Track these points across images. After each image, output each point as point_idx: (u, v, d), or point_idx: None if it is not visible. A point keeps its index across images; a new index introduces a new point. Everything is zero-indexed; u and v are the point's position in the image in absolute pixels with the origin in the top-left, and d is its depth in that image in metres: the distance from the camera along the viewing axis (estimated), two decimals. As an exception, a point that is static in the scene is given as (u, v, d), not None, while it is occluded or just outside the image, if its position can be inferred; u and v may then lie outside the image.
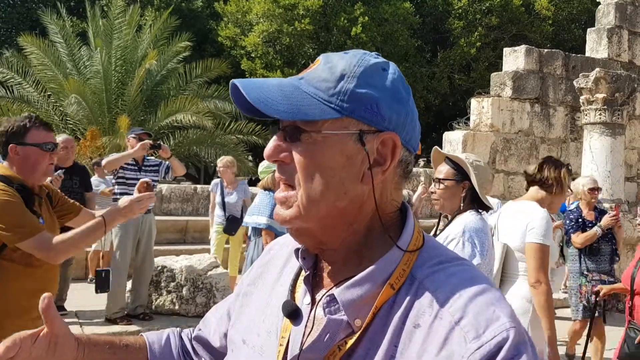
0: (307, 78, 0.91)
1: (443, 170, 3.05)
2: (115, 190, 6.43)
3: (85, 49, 16.62)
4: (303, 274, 0.99)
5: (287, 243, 1.10)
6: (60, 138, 5.78)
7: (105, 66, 15.59)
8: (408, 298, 0.89)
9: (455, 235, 2.81)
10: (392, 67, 0.95)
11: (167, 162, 6.41)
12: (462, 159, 3.00)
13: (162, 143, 6.35)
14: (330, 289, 0.93)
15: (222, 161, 7.77)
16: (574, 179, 9.54)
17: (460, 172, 2.99)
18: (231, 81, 0.92)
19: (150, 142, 6.11)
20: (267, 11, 18.36)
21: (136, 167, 6.32)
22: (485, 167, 3.04)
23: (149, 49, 15.92)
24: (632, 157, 12.50)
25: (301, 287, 0.99)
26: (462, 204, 2.98)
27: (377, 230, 0.94)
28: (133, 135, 6.42)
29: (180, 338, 1.23)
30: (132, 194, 6.75)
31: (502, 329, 0.82)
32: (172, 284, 6.56)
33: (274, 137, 0.93)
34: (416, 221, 0.98)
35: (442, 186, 3.00)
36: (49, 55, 15.90)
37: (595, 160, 9.79)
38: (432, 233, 2.95)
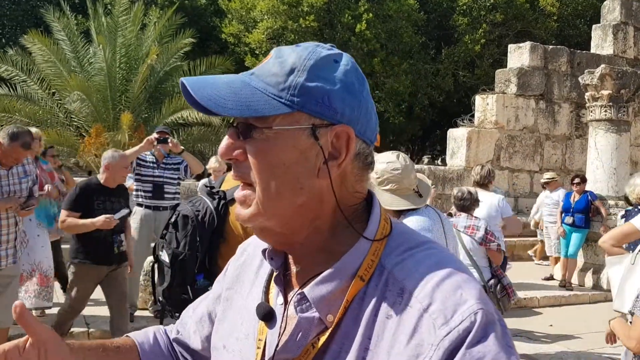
0: (258, 73, 0.90)
1: None
2: (134, 187, 6.46)
3: (89, 47, 16.65)
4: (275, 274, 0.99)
5: (260, 244, 1.08)
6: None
7: (109, 63, 15.60)
8: (379, 289, 0.88)
9: None
10: (345, 58, 0.93)
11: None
12: None
13: (169, 138, 6.31)
14: (301, 287, 0.92)
15: (217, 161, 7.65)
16: (578, 176, 9.53)
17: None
18: (180, 80, 0.90)
19: (156, 136, 6.12)
20: (271, 8, 18.34)
21: (154, 165, 6.35)
22: (396, 167, 2.93)
23: (153, 46, 15.94)
24: (638, 154, 12.45)
25: (274, 287, 0.98)
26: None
27: (343, 223, 0.92)
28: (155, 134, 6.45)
29: (167, 335, 1.22)
30: (147, 190, 6.69)
31: (469, 312, 0.82)
32: (177, 281, 6.59)
33: (227, 136, 0.91)
34: (383, 209, 0.97)
35: None
36: (53, 53, 15.92)
37: (600, 157, 9.76)
38: None
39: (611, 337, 3.22)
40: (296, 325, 0.89)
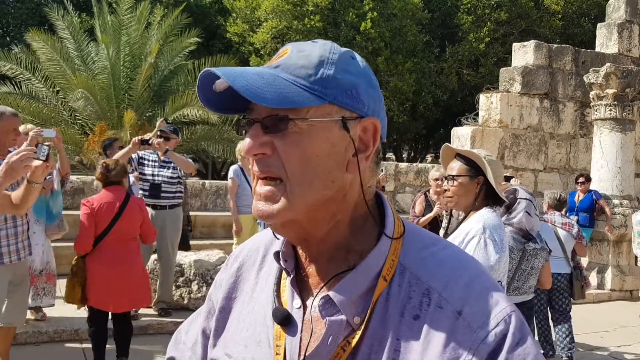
0: (284, 66, 0.88)
1: (455, 166, 3.01)
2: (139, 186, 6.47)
3: (93, 45, 16.67)
4: (285, 277, 0.97)
5: (256, 247, 1.07)
6: None
7: (112, 62, 15.62)
8: (402, 289, 0.88)
9: (475, 232, 2.77)
10: (358, 56, 0.95)
11: None
12: (476, 154, 2.97)
13: (152, 139, 6.28)
14: (322, 288, 0.91)
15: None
16: (582, 175, 9.51)
17: (473, 167, 2.96)
18: (205, 70, 0.87)
19: (141, 137, 6.16)
20: (276, 7, 18.33)
21: (154, 164, 6.37)
22: (497, 161, 3.04)
23: (157, 45, 15.95)
24: (642, 153, 12.39)
25: (286, 291, 0.96)
26: (476, 200, 2.95)
27: (360, 220, 0.93)
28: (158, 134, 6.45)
29: None
30: (145, 189, 6.71)
31: (503, 315, 0.83)
32: (181, 279, 6.59)
33: (250, 132, 0.88)
34: (392, 206, 0.98)
35: (455, 183, 2.96)
36: (57, 51, 15.95)
37: (605, 156, 9.73)
38: (442, 233, 2.94)
39: None
40: (327, 329, 0.87)
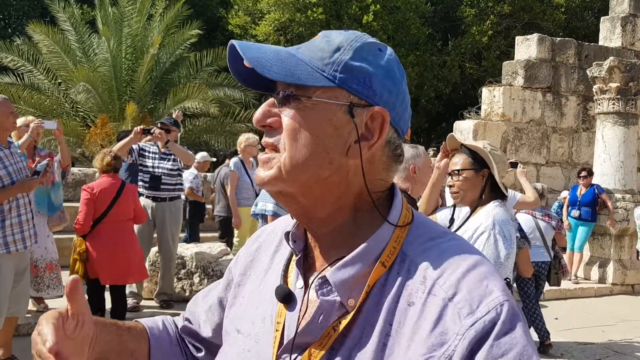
0: (304, 48, 0.93)
1: (459, 161, 2.94)
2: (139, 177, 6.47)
3: (95, 37, 16.63)
4: (294, 258, 0.99)
5: (276, 230, 1.10)
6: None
7: (114, 54, 15.59)
8: (400, 276, 0.89)
9: (485, 228, 2.72)
10: (389, 50, 0.96)
11: None
12: (481, 149, 2.91)
13: (154, 128, 6.26)
14: (322, 270, 0.93)
15: (251, 138, 7.56)
16: (585, 170, 9.49)
17: (477, 160, 2.91)
18: (230, 42, 0.92)
19: (142, 127, 6.15)
20: (278, 0, 18.28)
21: (155, 155, 6.35)
22: (501, 154, 2.99)
23: (158, 37, 15.91)
24: (645, 147, 12.37)
25: (293, 271, 0.99)
26: (483, 194, 2.90)
27: (365, 208, 0.94)
28: (158, 126, 6.45)
29: (175, 324, 1.23)
30: (146, 181, 6.75)
31: (495, 303, 0.83)
32: (183, 271, 6.60)
33: (264, 104, 0.93)
34: (404, 199, 0.98)
35: (461, 177, 2.90)
36: (58, 43, 15.92)
37: (607, 150, 9.71)
38: (451, 228, 2.87)
39: None
40: (317, 308, 0.90)
